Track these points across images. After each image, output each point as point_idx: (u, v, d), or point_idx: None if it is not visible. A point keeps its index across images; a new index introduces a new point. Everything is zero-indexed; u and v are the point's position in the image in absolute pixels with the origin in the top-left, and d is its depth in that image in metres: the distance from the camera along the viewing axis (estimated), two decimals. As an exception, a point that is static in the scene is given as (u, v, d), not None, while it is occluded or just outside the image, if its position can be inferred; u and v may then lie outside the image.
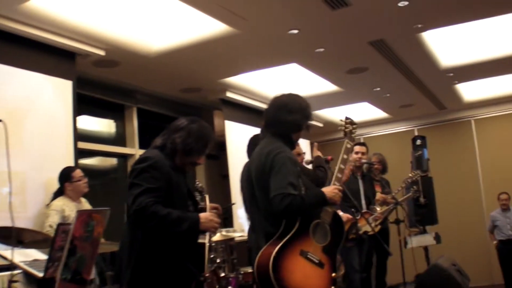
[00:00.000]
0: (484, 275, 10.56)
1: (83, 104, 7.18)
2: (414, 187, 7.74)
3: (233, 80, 8.08)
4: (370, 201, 7.02)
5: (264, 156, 3.50)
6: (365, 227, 6.80)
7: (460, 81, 9.42)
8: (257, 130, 4.58)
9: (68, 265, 3.08)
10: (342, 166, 3.73)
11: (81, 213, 3.21)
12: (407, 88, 9.27)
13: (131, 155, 8.02)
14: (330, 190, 3.53)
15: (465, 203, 11.12)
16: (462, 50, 8.04)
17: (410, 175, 7.73)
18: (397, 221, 7.05)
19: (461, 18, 6.62)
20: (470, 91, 10.43)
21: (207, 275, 3.36)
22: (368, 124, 12.16)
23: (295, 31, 6.25)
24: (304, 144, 11.11)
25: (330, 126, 11.73)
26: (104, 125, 8.20)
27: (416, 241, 7.92)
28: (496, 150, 11.21)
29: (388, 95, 9.74)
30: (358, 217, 6.32)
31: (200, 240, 3.41)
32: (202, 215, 3.31)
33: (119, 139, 8.13)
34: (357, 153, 7.01)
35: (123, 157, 8.08)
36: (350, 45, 7.01)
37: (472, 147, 11.49)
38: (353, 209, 5.55)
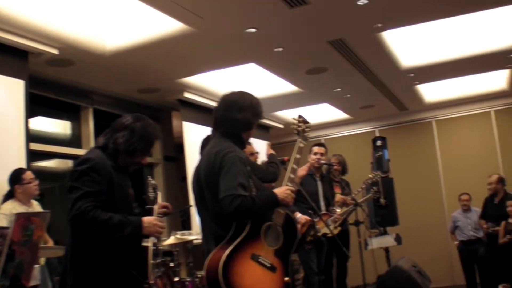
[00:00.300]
0: (445, 276, 10.62)
1: (38, 104, 7.03)
2: (374, 188, 7.70)
3: (191, 80, 7.95)
4: (329, 202, 6.95)
5: (213, 156, 3.37)
6: (324, 229, 6.72)
7: (421, 82, 9.41)
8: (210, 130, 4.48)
9: (6, 271, 2.94)
10: (295, 166, 3.62)
11: (19, 216, 3.07)
12: (367, 88, 9.23)
13: (87, 157, 7.80)
14: (282, 191, 3.41)
15: (427, 204, 11.13)
16: (423, 50, 8.03)
17: (370, 176, 7.68)
18: (357, 223, 6.96)
19: (421, 18, 6.59)
20: (431, 92, 10.46)
21: (151, 281, 3.17)
22: (328, 126, 12.13)
23: (253, 30, 6.14)
24: (262, 145, 11.03)
25: (290, 128, 11.65)
26: (59, 126, 8.00)
27: (376, 242, 7.86)
28: (457, 151, 11.26)
29: (348, 96, 9.68)
30: (316, 219, 6.24)
31: (144, 244, 3.26)
32: (145, 219, 3.19)
33: (75, 140, 7.93)
34: (315, 154, 6.92)
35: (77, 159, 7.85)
36: (309, 45, 6.92)
37: (433, 148, 11.52)
38: (310, 211, 5.44)
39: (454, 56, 8.23)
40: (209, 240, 3.36)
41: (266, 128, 11.26)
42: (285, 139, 12.01)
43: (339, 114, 11.40)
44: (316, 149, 6.96)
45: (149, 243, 3.24)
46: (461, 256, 9.64)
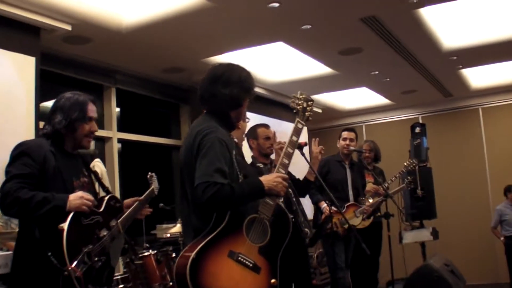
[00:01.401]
0: (488, 273, 10.04)
1: (57, 83, 6.80)
2: (409, 177, 7.19)
3: (218, 59, 7.52)
4: (359, 192, 6.52)
5: (193, 137, 2.98)
6: (352, 220, 6.31)
7: (464, 66, 8.80)
8: (249, 115, 4.13)
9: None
10: (291, 150, 3.18)
11: None
12: (408, 72, 8.66)
13: (109, 138, 7.53)
14: (270, 179, 2.97)
15: (471, 197, 10.54)
16: (467, 31, 7.45)
17: (405, 164, 7.19)
18: (387, 215, 6.47)
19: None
20: (478, 77, 9.86)
21: (70, 268, 2.81)
22: (369, 111, 11.67)
23: (276, 5, 5.64)
24: (303, 130, 10.60)
25: (329, 112, 11.23)
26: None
27: (411, 236, 7.41)
28: (504, 141, 10.62)
29: (388, 79, 9.13)
30: (343, 210, 5.83)
31: (60, 226, 2.88)
32: (72, 194, 3.00)
33: (97, 121, 7.61)
34: (345, 139, 6.51)
35: (100, 140, 7.58)
36: (339, 22, 6.40)
37: (479, 137, 10.90)
38: (327, 202, 5.00)
39: (501, 37, 7.56)
40: (188, 234, 2.96)
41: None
42: (325, 124, 11.62)
43: (380, 99, 10.86)
44: (345, 134, 6.54)
45: (64, 225, 2.88)
46: (507, 252, 9.10)
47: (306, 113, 3.36)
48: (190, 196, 2.94)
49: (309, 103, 3.38)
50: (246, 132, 4.76)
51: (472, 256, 9.67)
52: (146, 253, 5.15)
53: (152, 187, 4.00)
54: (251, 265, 2.83)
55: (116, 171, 7.44)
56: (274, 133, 5.04)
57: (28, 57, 5.70)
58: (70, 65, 6.94)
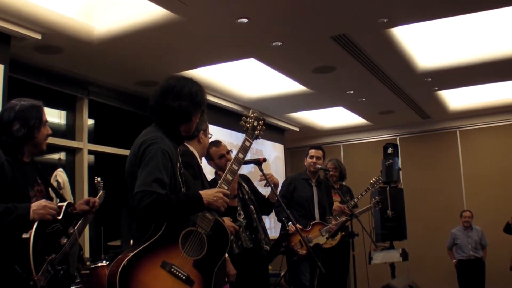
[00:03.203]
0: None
1: (30, 93, 6.68)
2: (377, 197, 7.17)
3: (192, 73, 7.49)
4: (325, 211, 6.48)
5: (138, 146, 2.96)
6: (318, 239, 6.27)
7: (440, 88, 8.82)
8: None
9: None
10: (235, 167, 3.16)
11: None
12: (383, 92, 8.68)
13: (79, 149, 7.48)
14: (211, 193, 2.95)
15: (444, 219, 10.50)
16: (441, 52, 7.46)
17: (372, 181, 7.17)
18: (351, 235, 6.42)
19: (431, 14, 6.01)
20: (456, 99, 9.90)
21: (35, 278, 2.79)
22: (347, 131, 11.70)
23: (245, 20, 5.64)
24: (279, 149, 10.59)
25: (306, 131, 11.23)
26: (54, 116, 7.66)
27: (380, 257, 7.33)
28: (481, 164, 10.64)
29: (363, 99, 9.15)
30: (308, 228, 5.82)
31: (24, 236, 2.86)
32: (35, 203, 2.96)
33: (69, 131, 7.58)
34: (311, 157, 6.47)
35: (71, 151, 7.53)
36: (310, 39, 6.39)
37: (456, 159, 10.95)
38: (284, 219, 4.97)
39: (476, 59, 7.57)
40: (126, 242, 2.93)
41: (281, 130, 10.80)
42: (302, 143, 11.60)
43: (358, 120, 10.88)
44: (312, 152, 6.52)
45: (29, 234, 2.86)
46: (458, 275, 9.20)
47: (256, 132, 3.34)
48: (131, 204, 2.90)
49: (260, 122, 3.37)
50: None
51: (443, 278, 9.64)
52: (99, 264, 5.09)
53: (100, 193, 3.97)
54: (184, 277, 2.78)
55: (85, 182, 7.38)
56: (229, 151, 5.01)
57: (-3, 64, 5.68)
58: (42, 74, 6.91)
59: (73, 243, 3.23)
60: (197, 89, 3.19)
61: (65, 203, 3.31)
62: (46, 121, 3.33)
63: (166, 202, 2.75)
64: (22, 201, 2.99)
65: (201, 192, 2.95)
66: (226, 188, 3.04)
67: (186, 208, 2.88)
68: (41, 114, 3.28)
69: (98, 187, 4.09)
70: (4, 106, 3.32)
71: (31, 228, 2.90)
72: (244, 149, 3.25)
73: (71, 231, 3.26)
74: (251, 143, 3.31)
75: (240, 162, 3.19)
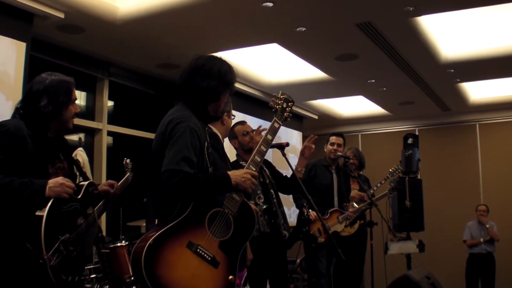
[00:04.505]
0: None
1: (49, 71, 6.71)
2: (392, 184, 7.09)
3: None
4: (344, 198, 6.44)
5: (165, 125, 2.95)
6: (335, 226, 6.24)
7: (462, 80, 8.73)
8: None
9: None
10: (264, 148, 3.13)
11: None
12: (405, 82, 8.59)
13: (99, 130, 7.48)
14: (239, 174, 2.92)
15: (461, 211, 10.41)
16: (466, 43, 7.36)
17: (390, 170, 7.13)
18: (370, 223, 6.39)
19: (458, 4, 5.93)
20: (477, 92, 9.80)
21: (46, 256, 2.73)
22: (366, 121, 11.62)
23: (269, 4, 5.59)
24: (296, 136, 10.55)
25: (325, 119, 11.18)
26: (74, 96, 7.66)
27: (397, 247, 7.30)
28: (500, 158, 10.55)
29: (384, 89, 9.07)
30: (326, 216, 5.79)
31: (38, 213, 2.80)
32: (52, 179, 2.88)
33: (88, 112, 7.58)
34: (332, 144, 6.43)
35: (90, 132, 7.53)
36: (334, 26, 6.33)
37: (475, 152, 10.85)
38: (305, 204, 4.93)
39: (501, 51, 7.46)
40: (151, 221, 2.91)
41: (300, 118, 10.74)
42: (321, 131, 11.49)
43: (377, 109, 10.80)
44: (333, 139, 6.47)
45: (43, 212, 2.80)
46: (467, 269, 9.14)
47: (285, 114, 3.31)
48: (158, 183, 2.88)
49: (289, 103, 3.34)
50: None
51: (458, 271, 9.57)
52: (119, 244, 5.08)
53: (127, 174, 3.95)
54: (209, 258, 2.76)
55: (104, 163, 7.39)
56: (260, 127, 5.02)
57: (19, 42, 5.65)
58: (63, 54, 6.90)
59: (91, 225, 3.16)
60: (226, 69, 3.15)
61: (86, 182, 3.25)
62: (75, 98, 3.25)
63: (194, 181, 2.73)
64: (41, 177, 2.92)
65: (229, 172, 2.92)
66: (254, 169, 3.01)
67: (214, 188, 2.85)
68: (70, 91, 3.19)
69: (126, 168, 4.05)
70: (34, 79, 3.20)
71: (46, 206, 2.83)
72: (273, 130, 3.21)
73: (90, 211, 3.18)
74: (280, 125, 3.27)
75: (269, 143, 3.16)
